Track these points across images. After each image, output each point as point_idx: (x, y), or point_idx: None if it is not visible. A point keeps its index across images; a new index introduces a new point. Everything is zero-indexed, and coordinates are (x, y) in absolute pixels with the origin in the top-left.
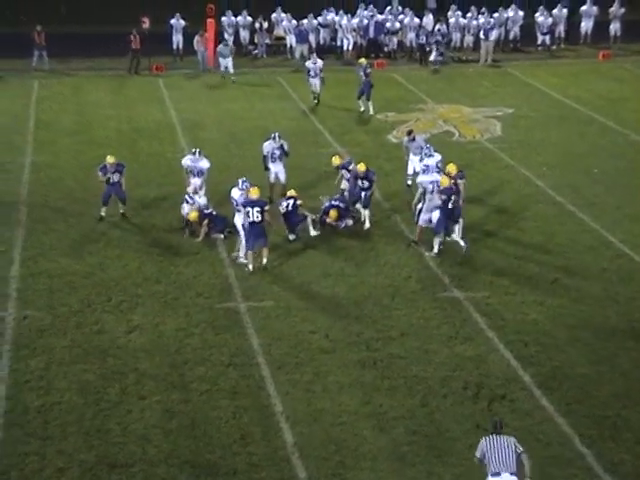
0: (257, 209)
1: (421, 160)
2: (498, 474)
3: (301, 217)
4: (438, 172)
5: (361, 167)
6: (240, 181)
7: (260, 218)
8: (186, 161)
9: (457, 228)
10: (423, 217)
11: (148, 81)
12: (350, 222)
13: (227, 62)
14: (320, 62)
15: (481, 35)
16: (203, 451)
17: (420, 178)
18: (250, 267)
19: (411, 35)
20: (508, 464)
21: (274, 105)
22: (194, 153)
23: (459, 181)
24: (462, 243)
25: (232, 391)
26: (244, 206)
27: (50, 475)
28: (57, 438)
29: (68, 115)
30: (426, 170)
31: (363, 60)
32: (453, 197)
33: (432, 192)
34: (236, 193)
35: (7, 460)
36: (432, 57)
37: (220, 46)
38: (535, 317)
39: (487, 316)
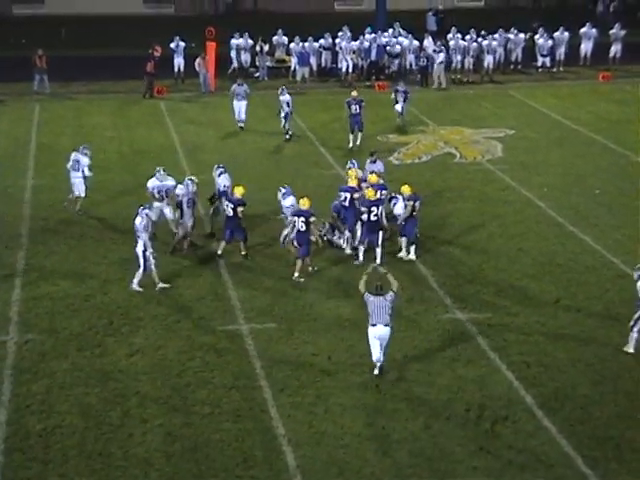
0: (302, 219)
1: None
2: (374, 325)
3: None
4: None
5: (372, 178)
6: (140, 209)
7: (305, 228)
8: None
9: (403, 243)
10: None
11: (149, 104)
12: (340, 242)
13: (241, 106)
14: (288, 97)
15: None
16: (205, 474)
17: (284, 202)
18: (296, 274)
19: (411, 57)
20: (383, 318)
21: (275, 127)
22: (159, 172)
23: (406, 202)
24: (411, 256)
25: (234, 414)
26: (292, 215)
27: None
28: (58, 462)
29: (69, 138)
30: (286, 193)
31: (355, 93)
32: (374, 209)
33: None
34: (137, 220)
35: None
36: (398, 107)
37: (234, 86)
38: (537, 338)
39: (489, 337)
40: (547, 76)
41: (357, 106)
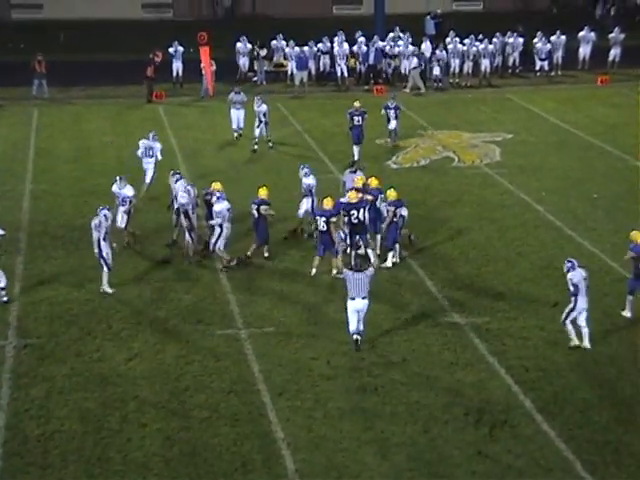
0: (323, 219)
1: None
2: (353, 298)
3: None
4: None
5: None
6: (98, 209)
7: (325, 228)
8: (115, 188)
9: (390, 254)
10: (224, 242)
11: (148, 108)
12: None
13: (239, 114)
14: (264, 107)
15: (409, 63)
16: (204, 479)
17: (219, 207)
18: (313, 271)
19: (406, 63)
20: (361, 291)
21: (274, 131)
22: (117, 180)
23: (387, 207)
24: (388, 263)
25: (233, 418)
26: (315, 215)
27: None
28: (57, 467)
29: (68, 143)
30: (220, 198)
31: (358, 104)
32: (354, 212)
33: (228, 220)
34: (94, 221)
35: None
36: (391, 125)
37: (232, 94)
38: (536, 342)
39: (488, 341)
40: (545, 80)
41: (360, 117)
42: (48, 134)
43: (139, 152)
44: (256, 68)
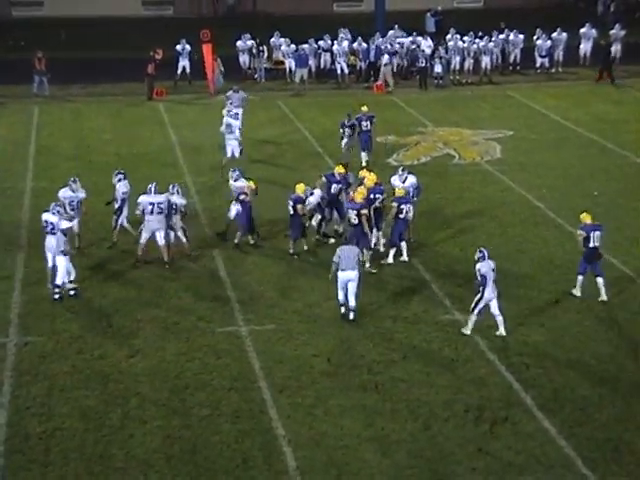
0: (354, 212)
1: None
2: (344, 270)
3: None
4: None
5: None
6: (52, 205)
7: (357, 221)
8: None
9: (392, 250)
10: (144, 235)
11: (149, 106)
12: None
13: (238, 112)
14: (239, 119)
15: (382, 60)
16: (205, 476)
17: (140, 198)
18: (367, 265)
19: (396, 60)
20: (351, 264)
21: (274, 129)
22: (74, 182)
23: (392, 204)
24: (389, 260)
25: (234, 415)
26: (346, 209)
27: None
28: (59, 464)
29: (68, 140)
30: (149, 190)
31: (365, 108)
32: (364, 211)
33: (151, 213)
34: (53, 217)
35: None
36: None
37: (229, 92)
38: (536, 339)
39: (488, 338)
40: (546, 77)
41: (368, 122)
42: (49, 132)
43: (222, 128)
44: (255, 66)
